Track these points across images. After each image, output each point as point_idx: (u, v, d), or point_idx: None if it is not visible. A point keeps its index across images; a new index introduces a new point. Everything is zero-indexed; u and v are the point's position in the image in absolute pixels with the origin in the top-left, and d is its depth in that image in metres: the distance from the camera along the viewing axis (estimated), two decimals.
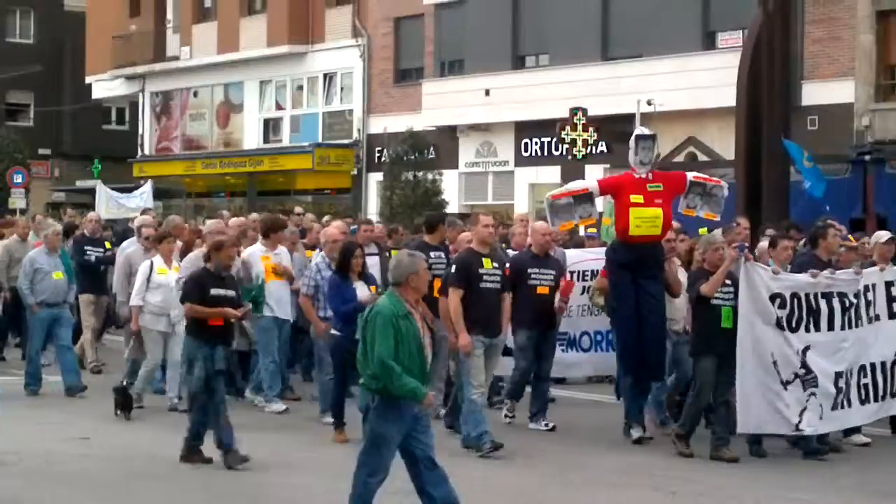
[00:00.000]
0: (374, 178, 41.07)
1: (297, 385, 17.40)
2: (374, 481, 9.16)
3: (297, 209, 26.41)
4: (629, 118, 33.81)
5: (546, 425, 14.64)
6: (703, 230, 16.17)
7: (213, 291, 12.56)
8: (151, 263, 15.85)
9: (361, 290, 13.74)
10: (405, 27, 41.26)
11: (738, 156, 20.50)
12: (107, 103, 55.79)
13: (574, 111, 32.24)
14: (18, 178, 46.17)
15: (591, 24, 35.15)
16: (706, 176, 14.87)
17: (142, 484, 11.62)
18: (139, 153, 50.44)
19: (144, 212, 23.69)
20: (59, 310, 17.21)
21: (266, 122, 45.91)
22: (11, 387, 18.10)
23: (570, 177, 35.62)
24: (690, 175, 14.58)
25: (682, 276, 14.25)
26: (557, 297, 14.64)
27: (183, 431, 12.53)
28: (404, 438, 9.10)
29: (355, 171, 42.26)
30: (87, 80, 52.19)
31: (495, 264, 13.56)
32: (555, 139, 33.51)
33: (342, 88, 43.26)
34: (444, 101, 38.23)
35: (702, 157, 31.77)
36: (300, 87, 44.58)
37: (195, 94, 48.71)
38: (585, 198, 14.26)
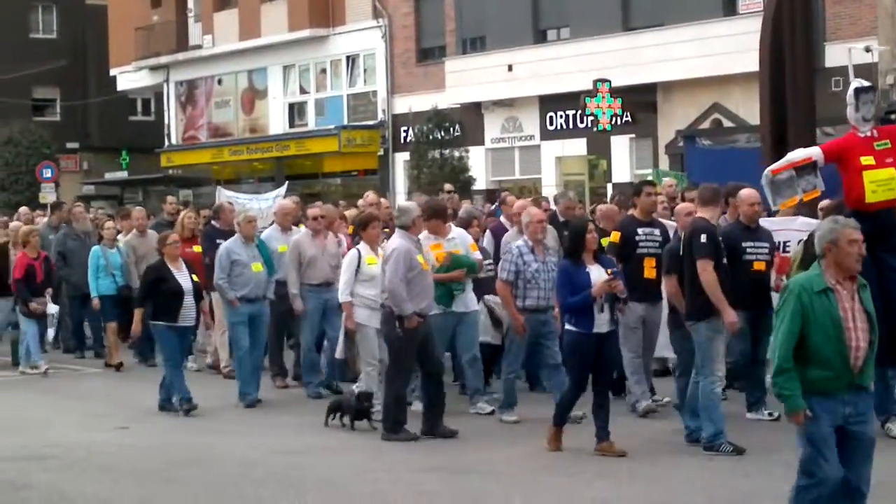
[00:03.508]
0: (401, 158, 41.14)
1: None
2: (822, 489, 7.80)
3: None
4: (653, 88, 33.83)
5: (770, 414, 13.10)
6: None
7: None
8: (358, 253, 13.94)
9: (596, 274, 11.80)
10: (426, 6, 41.23)
11: (763, 121, 20.40)
12: (132, 95, 55.93)
13: (597, 83, 32.23)
14: (48, 173, 46.37)
15: None
16: None
17: (182, 471, 11.72)
18: (166, 143, 50.61)
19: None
20: (259, 306, 15.55)
21: (291, 106, 45.98)
22: (37, 381, 18.32)
23: (595, 149, 35.79)
24: None
25: None
26: (774, 274, 13.43)
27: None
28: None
29: (382, 152, 42.31)
30: (112, 72, 52.35)
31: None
32: (579, 112, 33.50)
33: (365, 70, 43.29)
34: (467, 79, 38.21)
35: (727, 123, 31.69)
36: (323, 71, 44.63)
37: (219, 82, 48.82)
38: (808, 168, 12.63)
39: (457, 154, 37.15)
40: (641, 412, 13.50)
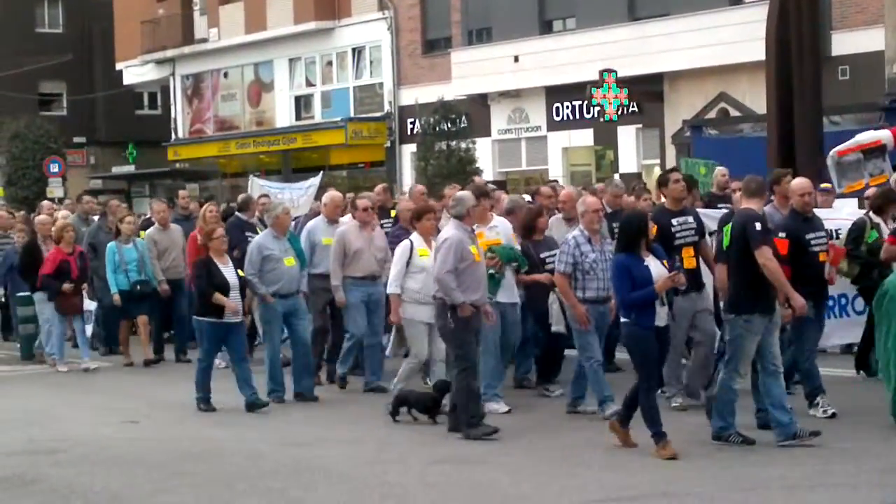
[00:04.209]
0: (408, 150, 41.15)
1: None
2: None
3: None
4: (659, 77, 33.82)
5: (824, 412, 12.66)
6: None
7: None
8: (411, 244, 13.56)
9: (655, 268, 11.32)
10: None
11: (769, 110, 20.41)
12: (138, 89, 56.01)
13: (604, 73, 32.23)
14: (55, 168, 46.49)
15: None
16: None
17: (192, 464, 11.74)
18: (173, 137, 50.66)
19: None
20: (293, 301, 14.99)
21: (297, 99, 46.01)
22: (45, 376, 18.33)
23: (602, 139, 35.79)
24: None
25: None
26: (828, 266, 13.04)
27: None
28: None
29: (388, 144, 42.35)
30: (118, 66, 52.44)
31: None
32: (586, 102, 33.49)
33: (371, 62, 43.31)
34: (473, 70, 38.20)
35: (734, 113, 31.68)
36: (329, 63, 44.65)
37: (225, 75, 48.86)
38: (877, 152, 12.25)
39: (463, 146, 37.12)
40: (677, 407, 13.19)
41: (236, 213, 18.37)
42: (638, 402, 11.42)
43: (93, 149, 58.04)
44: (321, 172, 27.10)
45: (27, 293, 19.97)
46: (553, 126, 37.39)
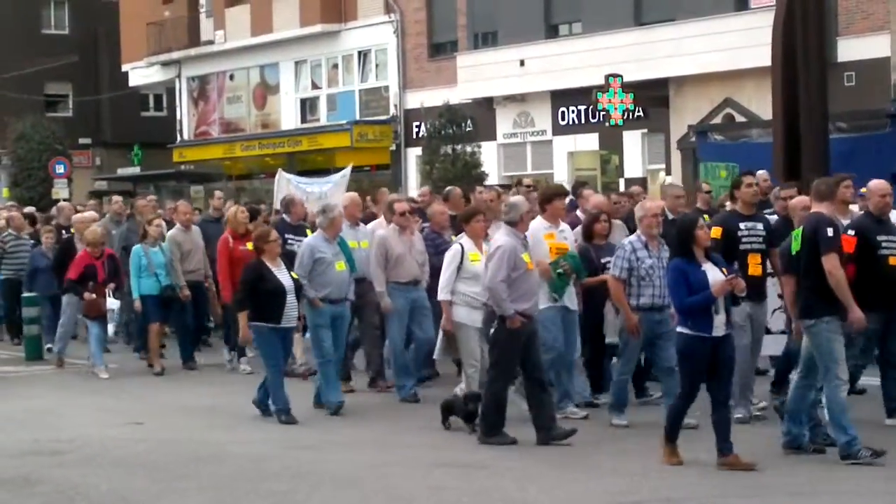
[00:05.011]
0: (413, 153, 41.17)
1: None
2: None
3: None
4: (665, 82, 33.83)
5: None
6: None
7: None
8: (462, 249, 13.33)
9: (713, 274, 10.98)
10: (437, 0, 41.21)
11: (775, 115, 20.36)
12: (144, 90, 56.03)
13: (609, 78, 32.25)
14: (61, 169, 46.47)
15: None
16: None
17: (197, 466, 11.75)
18: (178, 138, 50.66)
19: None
20: (341, 307, 14.46)
21: (303, 101, 46.02)
22: (50, 377, 18.36)
23: (607, 144, 35.78)
24: None
25: None
26: None
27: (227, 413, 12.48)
28: None
29: (394, 147, 42.35)
30: (124, 67, 52.45)
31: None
32: (591, 107, 33.50)
33: (377, 65, 43.31)
34: (479, 74, 38.21)
35: (739, 118, 31.65)
36: (335, 66, 44.66)
37: (231, 78, 48.87)
38: None
39: (469, 149, 37.14)
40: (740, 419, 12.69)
41: (282, 215, 17.57)
42: (722, 424, 11.06)
43: (98, 150, 58.09)
44: (350, 165, 26.86)
45: (33, 294, 20.02)
46: (558, 130, 37.39)
